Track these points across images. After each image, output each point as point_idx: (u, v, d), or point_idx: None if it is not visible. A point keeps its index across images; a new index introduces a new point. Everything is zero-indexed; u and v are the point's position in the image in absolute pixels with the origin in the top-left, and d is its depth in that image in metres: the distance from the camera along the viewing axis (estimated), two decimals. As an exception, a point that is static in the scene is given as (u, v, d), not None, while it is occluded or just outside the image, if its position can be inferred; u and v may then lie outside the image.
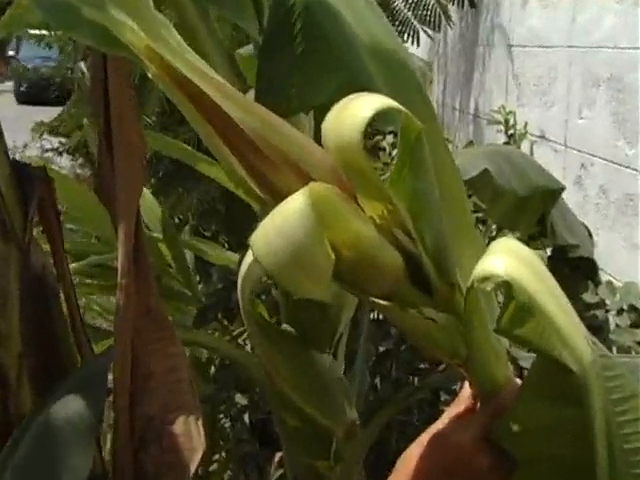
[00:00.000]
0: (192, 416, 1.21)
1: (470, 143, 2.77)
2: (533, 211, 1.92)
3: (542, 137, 3.20)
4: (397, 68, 0.99)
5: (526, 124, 3.20)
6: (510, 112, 3.22)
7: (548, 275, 0.74)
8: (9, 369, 1.24)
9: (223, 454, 2.52)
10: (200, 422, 1.21)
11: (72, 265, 2.43)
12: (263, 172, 0.71)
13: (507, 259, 0.72)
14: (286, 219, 0.64)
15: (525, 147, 3.20)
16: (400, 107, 0.72)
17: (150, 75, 0.70)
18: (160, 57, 0.69)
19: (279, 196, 0.68)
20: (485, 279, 0.71)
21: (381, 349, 2.27)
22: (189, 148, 2.31)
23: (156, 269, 2.37)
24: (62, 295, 1.36)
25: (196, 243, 2.65)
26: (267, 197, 0.72)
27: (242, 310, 0.79)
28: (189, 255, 2.57)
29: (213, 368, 2.62)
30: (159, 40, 0.70)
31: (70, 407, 1.14)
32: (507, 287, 0.70)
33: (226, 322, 2.44)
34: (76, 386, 1.18)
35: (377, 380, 2.23)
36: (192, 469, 1.18)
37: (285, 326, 0.86)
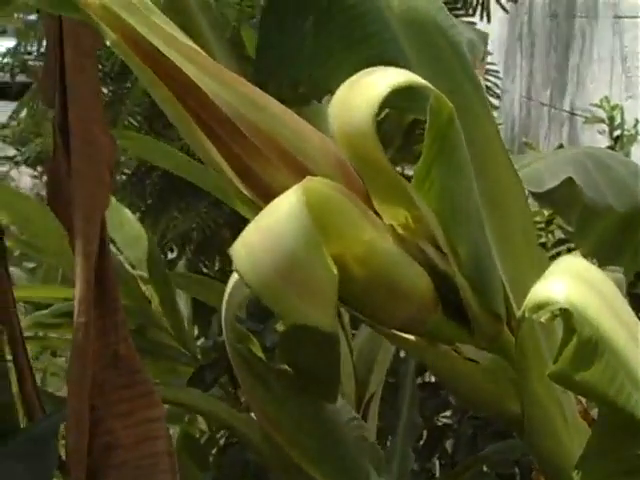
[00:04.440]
0: None
1: (560, 147, 2.76)
2: (641, 237, 1.90)
3: (659, 139, 3.19)
4: (436, 40, 1.02)
5: (637, 122, 3.20)
6: (615, 106, 3.22)
7: (624, 305, 0.76)
8: None
9: None
10: None
11: (30, 315, 2.48)
12: (248, 165, 0.75)
13: (568, 281, 0.74)
14: (274, 223, 0.68)
15: (636, 153, 3.19)
16: (427, 84, 0.75)
17: (108, 43, 0.75)
18: (120, 19, 0.74)
19: (268, 196, 0.72)
20: (539, 307, 0.73)
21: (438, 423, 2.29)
22: (186, 157, 2.32)
23: (139, 317, 2.40)
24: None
25: (193, 283, 2.64)
26: (254, 197, 0.76)
27: (227, 344, 0.82)
28: (185, 299, 2.59)
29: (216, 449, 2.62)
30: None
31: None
32: (567, 317, 0.72)
33: (232, 388, 2.44)
34: (13, 456, 1.18)
35: (433, 463, 2.24)
36: None
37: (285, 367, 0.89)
